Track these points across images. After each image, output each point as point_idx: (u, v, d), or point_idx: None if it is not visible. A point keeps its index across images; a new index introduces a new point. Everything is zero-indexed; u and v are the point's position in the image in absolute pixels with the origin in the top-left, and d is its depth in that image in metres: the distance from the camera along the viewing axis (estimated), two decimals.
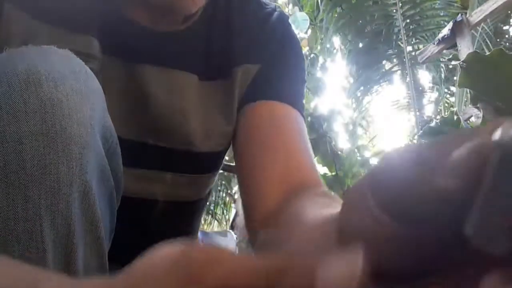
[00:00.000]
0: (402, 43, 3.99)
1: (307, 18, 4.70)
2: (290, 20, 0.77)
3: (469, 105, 2.57)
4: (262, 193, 0.60)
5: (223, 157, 0.74)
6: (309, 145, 0.66)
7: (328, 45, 5.03)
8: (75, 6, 0.62)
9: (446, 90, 4.65)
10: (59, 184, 0.41)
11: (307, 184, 0.59)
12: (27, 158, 0.40)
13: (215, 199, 5.25)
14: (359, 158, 4.27)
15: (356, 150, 4.44)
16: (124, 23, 0.64)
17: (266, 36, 0.71)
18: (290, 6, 5.42)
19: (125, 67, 0.64)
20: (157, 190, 0.69)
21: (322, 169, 4.56)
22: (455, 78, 4.08)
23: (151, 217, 0.71)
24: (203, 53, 0.69)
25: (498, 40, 4.09)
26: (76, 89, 0.44)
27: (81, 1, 0.62)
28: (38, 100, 0.41)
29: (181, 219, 0.76)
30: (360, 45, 4.68)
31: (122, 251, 0.60)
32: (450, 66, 4.39)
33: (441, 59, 4.26)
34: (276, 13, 0.73)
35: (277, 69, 0.70)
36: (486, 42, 3.49)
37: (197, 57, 0.68)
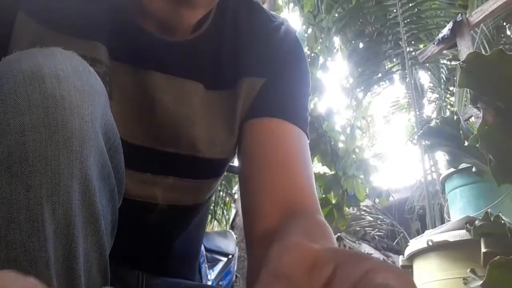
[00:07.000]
0: (402, 43, 3.99)
1: (304, 37, 4.74)
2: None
3: (469, 105, 2.57)
4: (258, 214, 0.62)
5: (227, 164, 0.75)
6: (309, 164, 0.67)
7: (328, 45, 5.02)
8: (84, 14, 0.63)
9: (446, 90, 4.65)
10: (60, 175, 0.42)
11: (302, 209, 0.60)
12: (29, 149, 0.41)
13: (215, 199, 5.24)
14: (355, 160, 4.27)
15: (356, 150, 4.44)
16: (134, 31, 0.65)
17: (273, 50, 0.71)
18: (291, 5, 5.42)
19: (133, 73, 0.65)
20: (159, 194, 0.70)
21: (321, 169, 4.56)
22: (455, 78, 4.08)
23: (151, 220, 0.71)
24: (211, 63, 0.69)
25: (498, 39, 4.09)
26: (78, 86, 0.45)
27: (90, 9, 0.64)
28: (41, 95, 0.42)
29: (181, 222, 0.77)
30: (361, 45, 4.68)
31: (123, 252, 0.61)
32: (450, 66, 4.39)
33: (441, 59, 4.25)
34: (283, 26, 0.74)
35: (282, 85, 0.70)
36: (485, 42, 3.49)
37: (204, 66, 0.69)
